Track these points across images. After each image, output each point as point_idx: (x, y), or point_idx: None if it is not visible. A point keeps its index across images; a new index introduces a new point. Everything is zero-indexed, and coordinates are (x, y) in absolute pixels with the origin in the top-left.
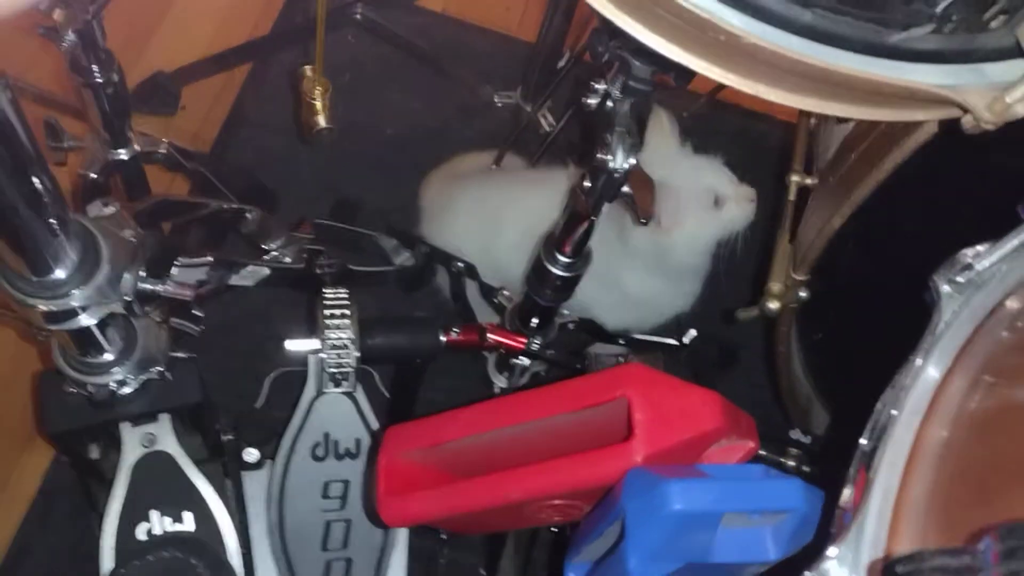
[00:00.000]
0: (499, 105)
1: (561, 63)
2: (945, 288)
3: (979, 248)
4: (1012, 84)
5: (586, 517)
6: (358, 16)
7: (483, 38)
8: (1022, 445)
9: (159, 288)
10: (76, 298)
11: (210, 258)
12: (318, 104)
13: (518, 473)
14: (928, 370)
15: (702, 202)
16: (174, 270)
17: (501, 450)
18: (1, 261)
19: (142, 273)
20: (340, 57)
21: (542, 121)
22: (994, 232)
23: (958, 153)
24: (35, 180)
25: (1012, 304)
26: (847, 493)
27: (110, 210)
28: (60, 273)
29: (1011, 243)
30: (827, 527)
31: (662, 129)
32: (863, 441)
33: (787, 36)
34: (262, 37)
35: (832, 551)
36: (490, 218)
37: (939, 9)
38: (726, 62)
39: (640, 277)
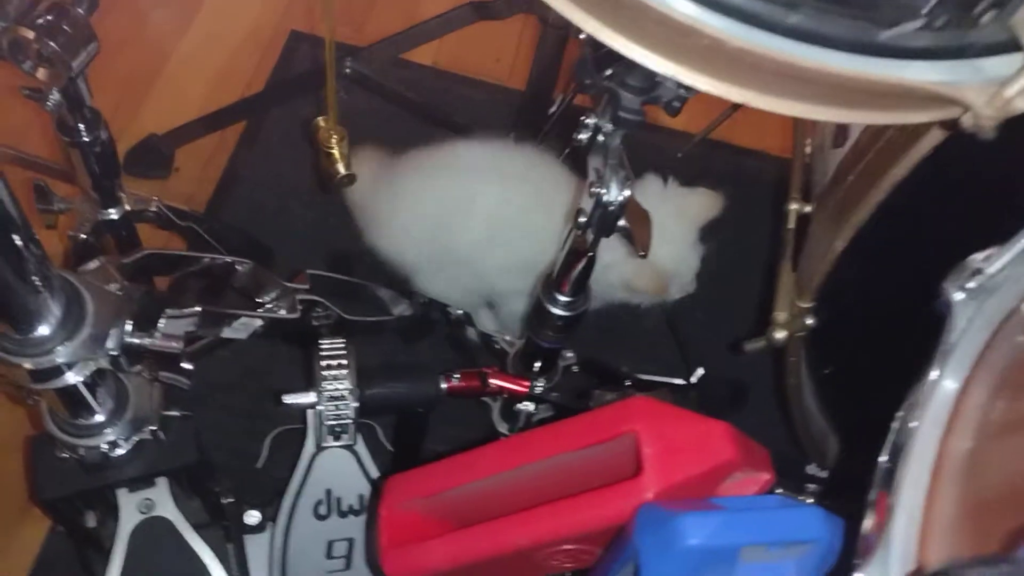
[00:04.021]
0: None
1: (552, 109)
2: (957, 296)
3: (989, 251)
4: (1010, 78)
5: (598, 561)
6: (348, 70)
7: (474, 89)
8: None
9: (146, 341)
10: (61, 354)
11: (198, 308)
12: (336, 152)
13: (524, 517)
14: (945, 382)
15: None
16: (161, 322)
17: (506, 495)
18: None
19: (129, 327)
20: None
21: None
22: (999, 238)
23: (955, 165)
24: (15, 237)
25: None
26: (869, 516)
27: (94, 264)
28: (44, 330)
29: (1021, 243)
30: (850, 558)
31: None
32: (882, 459)
33: (773, 38)
34: (254, 95)
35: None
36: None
37: (926, 8)
38: (713, 70)
39: None
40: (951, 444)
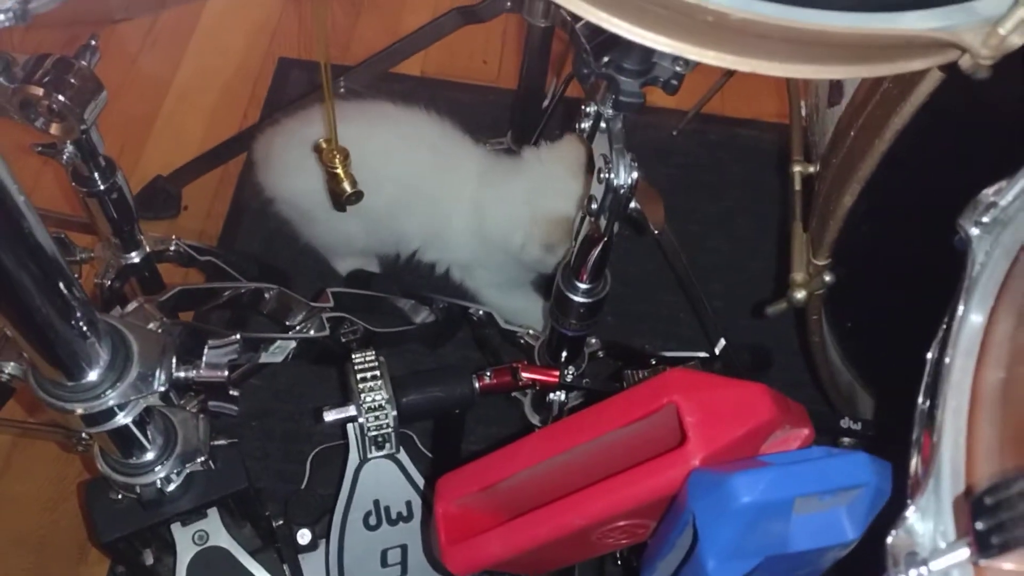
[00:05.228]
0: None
1: (546, 102)
2: (973, 231)
3: (999, 185)
4: (1003, 17)
5: (653, 534)
6: (342, 89)
7: (466, 93)
8: None
9: (193, 374)
10: (112, 397)
11: (237, 336)
12: (340, 172)
13: (577, 498)
14: (972, 316)
15: None
16: (204, 353)
17: (556, 479)
18: (36, 370)
19: (174, 362)
20: None
21: None
22: (1005, 172)
23: (953, 108)
24: (61, 286)
25: None
26: (914, 455)
27: (132, 306)
28: (94, 375)
29: None
30: (900, 498)
31: None
32: (920, 400)
33: (775, 6)
34: (251, 126)
35: (911, 510)
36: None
37: None
38: (718, 44)
39: None
40: (984, 376)
